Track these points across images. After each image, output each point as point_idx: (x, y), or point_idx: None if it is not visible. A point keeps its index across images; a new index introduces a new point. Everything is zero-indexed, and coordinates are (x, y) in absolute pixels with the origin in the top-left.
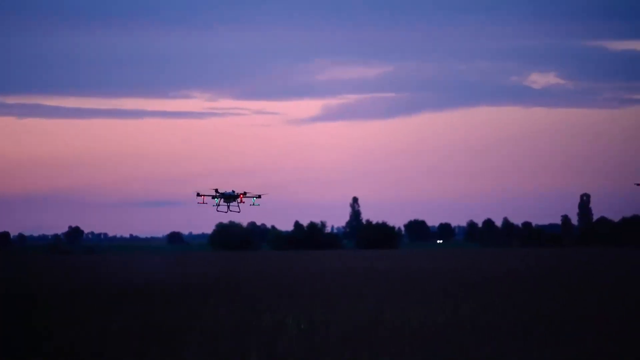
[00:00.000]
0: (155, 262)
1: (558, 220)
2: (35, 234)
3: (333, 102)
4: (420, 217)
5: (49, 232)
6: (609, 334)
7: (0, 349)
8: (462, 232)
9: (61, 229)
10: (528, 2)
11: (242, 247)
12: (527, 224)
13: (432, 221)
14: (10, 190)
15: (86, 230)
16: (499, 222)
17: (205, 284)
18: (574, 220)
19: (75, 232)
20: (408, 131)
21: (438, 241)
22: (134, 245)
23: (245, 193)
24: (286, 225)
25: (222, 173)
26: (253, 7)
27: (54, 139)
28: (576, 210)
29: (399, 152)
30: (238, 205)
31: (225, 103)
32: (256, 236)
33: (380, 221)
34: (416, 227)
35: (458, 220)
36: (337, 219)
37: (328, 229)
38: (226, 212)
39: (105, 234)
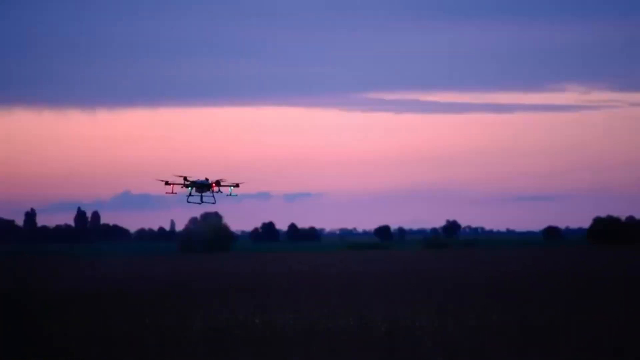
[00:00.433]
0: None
1: None
2: (415, 227)
3: None
4: None
5: (428, 225)
6: None
7: None
8: None
9: (438, 222)
10: None
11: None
12: None
13: None
14: (394, 185)
15: (463, 224)
16: None
17: None
18: None
19: (452, 226)
20: None
21: None
22: (509, 240)
23: (219, 181)
24: None
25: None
26: None
27: (428, 134)
28: None
29: None
30: (213, 196)
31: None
32: None
33: None
34: None
35: None
36: None
37: None
38: (200, 204)
39: (482, 228)
